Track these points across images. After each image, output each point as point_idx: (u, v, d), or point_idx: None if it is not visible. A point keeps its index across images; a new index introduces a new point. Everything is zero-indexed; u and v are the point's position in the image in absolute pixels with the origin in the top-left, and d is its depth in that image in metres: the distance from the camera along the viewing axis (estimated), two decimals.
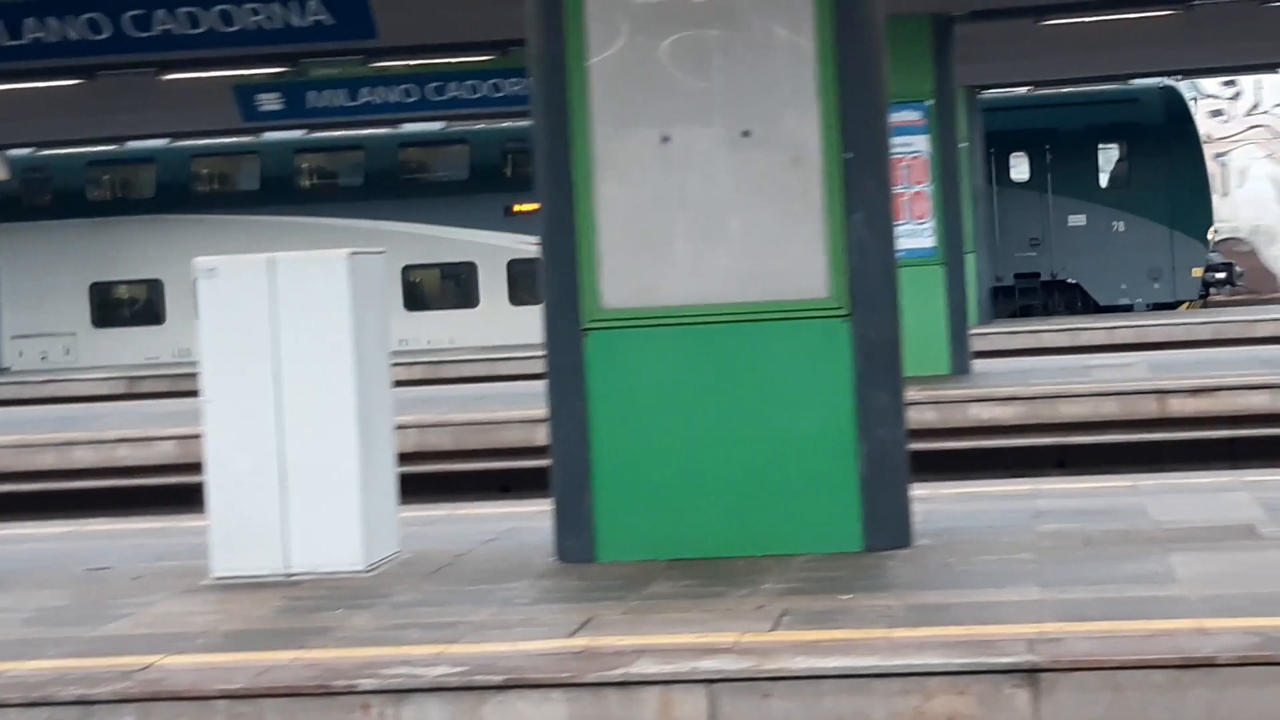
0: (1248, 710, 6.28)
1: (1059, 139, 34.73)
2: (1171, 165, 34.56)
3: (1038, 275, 34.91)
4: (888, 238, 9.15)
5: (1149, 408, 17.35)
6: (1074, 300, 34.96)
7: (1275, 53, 30.23)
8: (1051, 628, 6.95)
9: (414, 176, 37.05)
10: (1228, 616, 6.95)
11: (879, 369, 9.03)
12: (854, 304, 9.01)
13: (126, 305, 37.50)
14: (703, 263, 9.10)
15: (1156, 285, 34.73)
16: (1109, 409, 17.42)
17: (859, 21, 9.10)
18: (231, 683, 6.80)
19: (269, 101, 30.22)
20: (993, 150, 34.53)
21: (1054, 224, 34.76)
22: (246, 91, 30.10)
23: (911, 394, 17.84)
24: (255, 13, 20.59)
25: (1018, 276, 34.87)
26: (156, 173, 37.09)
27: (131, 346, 36.52)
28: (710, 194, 9.11)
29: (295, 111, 30.77)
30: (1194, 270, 34.74)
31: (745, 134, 9.12)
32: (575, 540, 9.06)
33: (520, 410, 17.41)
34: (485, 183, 36.35)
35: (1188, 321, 29.03)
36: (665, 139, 9.14)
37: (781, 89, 9.10)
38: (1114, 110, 34.02)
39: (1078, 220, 34.72)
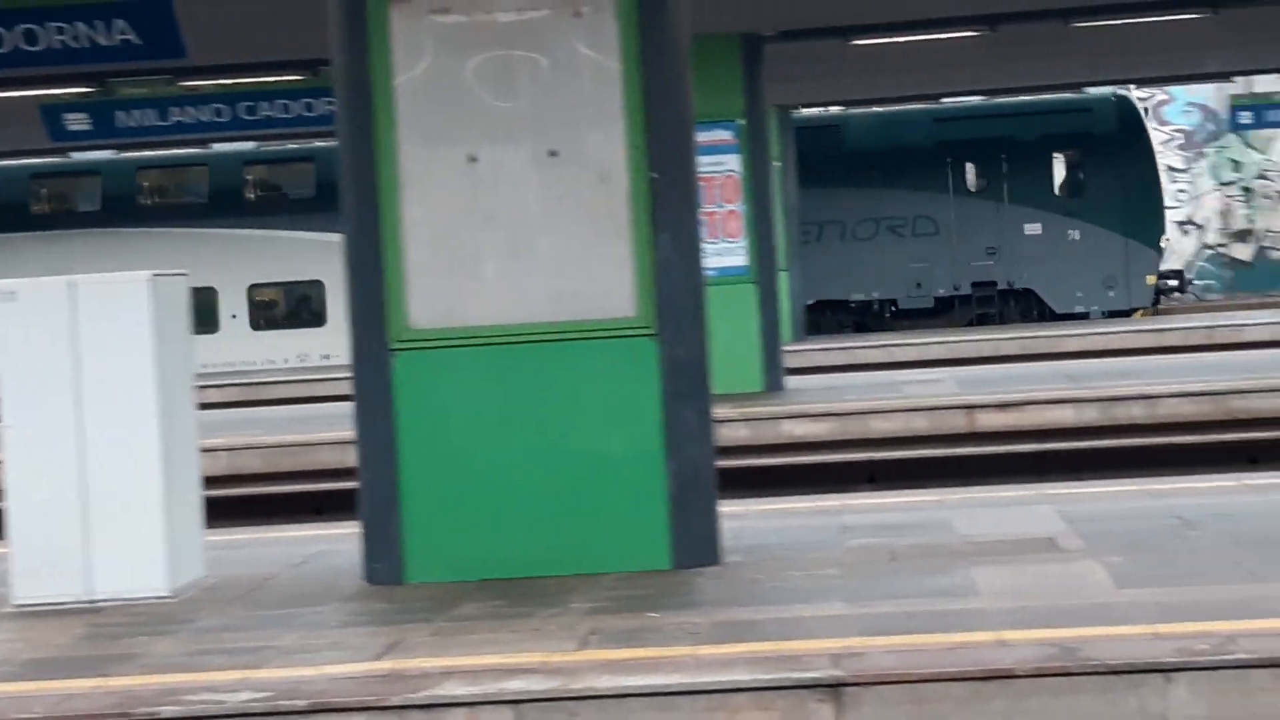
0: None
1: (1013, 148, 35.05)
2: (1125, 174, 35.11)
3: (994, 284, 35.34)
4: (695, 257, 9.20)
5: (958, 423, 17.58)
6: (1030, 308, 35.41)
7: (1083, 71, 30.74)
8: (856, 642, 7.02)
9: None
10: (1027, 628, 7.06)
11: (687, 388, 9.07)
12: (661, 323, 9.05)
13: None
14: (510, 282, 9.10)
15: (1111, 293, 35.28)
16: (919, 424, 17.63)
17: (664, 42, 9.15)
18: (30, 711, 6.70)
19: (76, 121, 29.82)
20: (949, 160, 34.80)
21: (1010, 233, 35.18)
22: (54, 111, 29.67)
23: (725, 411, 17.99)
24: (61, 31, 20.32)
25: (974, 285, 35.31)
26: None
27: None
28: (518, 214, 9.12)
29: (104, 131, 30.37)
30: (1148, 278, 35.33)
31: (552, 154, 9.13)
32: (383, 562, 9.01)
33: (334, 431, 17.30)
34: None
35: (995, 338, 29.43)
36: (472, 159, 9.13)
37: (588, 109, 9.13)
38: (1068, 120, 34.41)
39: (1033, 229, 35.18)
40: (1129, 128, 35.29)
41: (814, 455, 16.85)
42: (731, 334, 20.17)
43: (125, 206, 36.54)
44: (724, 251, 20.60)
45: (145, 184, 37.21)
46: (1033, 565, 8.52)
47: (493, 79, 9.14)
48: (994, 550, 8.99)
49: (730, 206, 20.76)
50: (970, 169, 35.29)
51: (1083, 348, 27.74)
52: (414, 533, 8.99)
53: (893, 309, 35.63)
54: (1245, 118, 33.04)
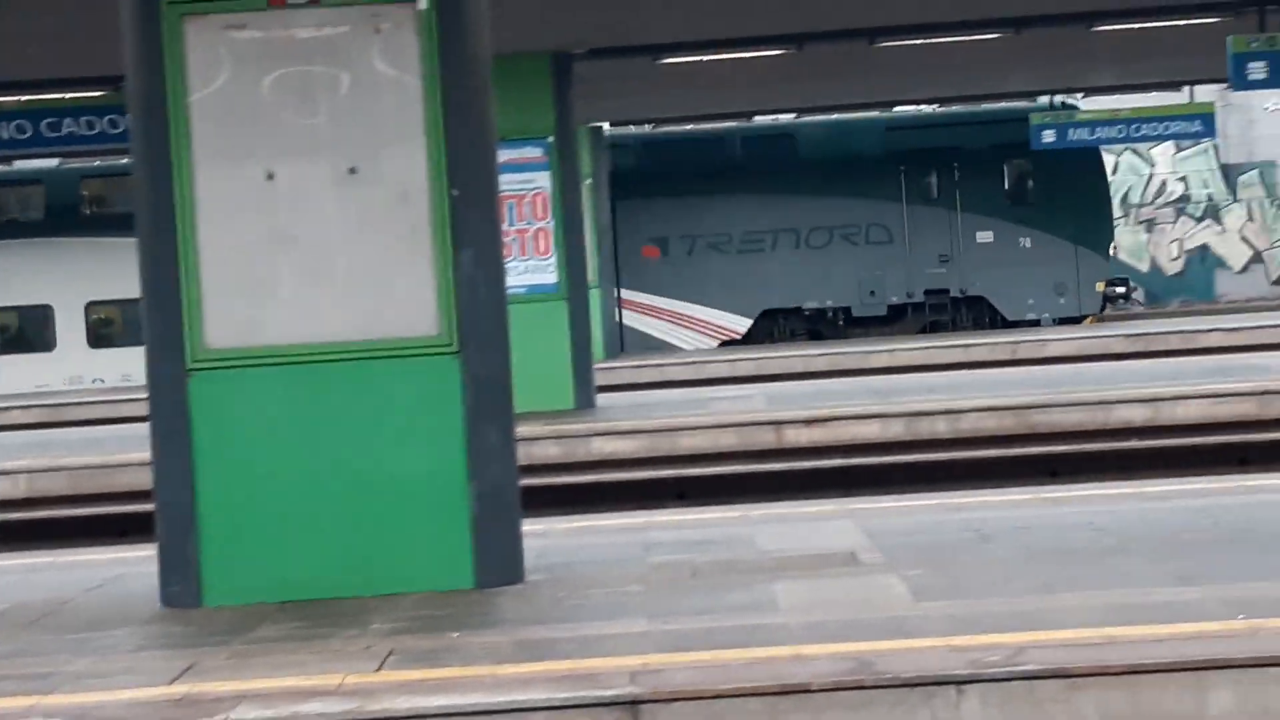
0: None
1: (965, 157, 35.14)
2: (1075, 182, 35.40)
3: (947, 291, 35.41)
4: (497, 274, 9.17)
5: (766, 439, 17.70)
6: (983, 315, 35.56)
7: (890, 90, 31.11)
8: (655, 659, 7.03)
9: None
10: (825, 642, 7.10)
11: (489, 406, 9.04)
12: (463, 341, 9.01)
13: None
14: (310, 301, 9.02)
15: (1062, 300, 35.59)
16: (728, 440, 17.73)
17: (465, 59, 9.12)
18: None
19: None
20: (903, 168, 34.79)
21: (963, 240, 35.33)
22: None
23: (535, 429, 17.97)
24: None
25: (928, 293, 35.38)
26: None
27: None
28: (317, 232, 9.04)
29: None
30: (1097, 285, 35.69)
31: (352, 171, 9.07)
32: (180, 585, 8.89)
33: (138, 453, 17.07)
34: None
35: (805, 354, 29.67)
36: (270, 176, 9.05)
37: (388, 126, 9.08)
38: (1019, 129, 34.72)
39: (986, 237, 35.37)
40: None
41: (624, 472, 16.87)
42: (542, 351, 20.19)
43: None
44: (534, 269, 20.60)
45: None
46: (833, 580, 8.58)
47: (291, 96, 9.07)
48: (796, 565, 9.04)
49: (540, 224, 20.77)
50: (923, 177, 35.52)
51: (890, 364, 28.04)
52: (212, 555, 8.88)
53: (845, 317, 35.93)
54: (1047, 135, 33.52)
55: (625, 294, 35.49)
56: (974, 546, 9.37)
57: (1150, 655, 6.61)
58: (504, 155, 19.57)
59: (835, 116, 35.49)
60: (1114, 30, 24.28)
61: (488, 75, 9.23)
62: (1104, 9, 21.44)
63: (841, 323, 35.77)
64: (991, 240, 35.45)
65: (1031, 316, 35.54)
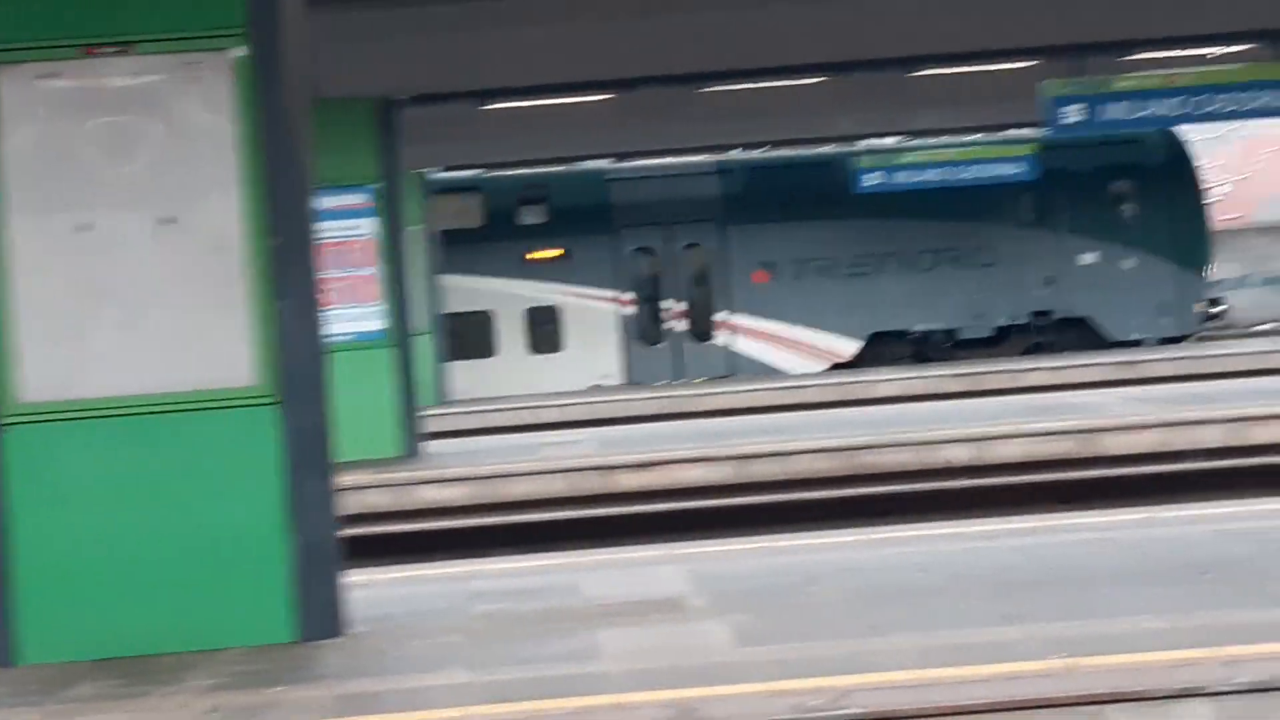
0: None
1: (1069, 179, 35.64)
2: (1174, 203, 36.22)
3: (1051, 313, 36.10)
4: (316, 324, 9.08)
5: (595, 484, 17.68)
6: (1085, 336, 36.26)
7: (714, 134, 31.29)
8: (477, 710, 6.97)
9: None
10: (647, 690, 7.07)
11: (309, 457, 8.94)
12: (282, 392, 8.91)
13: None
14: (126, 353, 8.89)
15: (1164, 320, 36.15)
16: (557, 486, 17.69)
17: (284, 106, 9.04)
18: None
19: None
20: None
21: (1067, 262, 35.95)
22: None
23: (361, 477, 17.83)
24: None
25: (1033, 314, 36.07)
26: None
27: None
28: (133, 282, 8.92)
29: None
30: (1195, 304, 36.25)
31: (168, 221, 8.96)
32: None
33: None
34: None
35: (634, 398, 29.70)
36: (85, 227, 8.91)
37: (204, 174, 8.97)
38: (1122, 150, 35.40)
39: (1090, 258, 36.17)
40: (1177, 158, 36.10)
41: (451, 520, 16.77)
42: (368, 399, 20.07)
43: None
44: (360, 316, 20.47)
45: None
46: (657, 626, 8.56)
47: (106, 145, 8.94)
48: (620, 612, 9.01)
49: (366, 271, 20.65)
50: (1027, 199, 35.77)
51: (717, 406, 28.14)
52: (27, 612, 8.71)
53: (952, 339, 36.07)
54: (872, 179, 33.84)
55: (736, 318, 35.67)
56: (800, 589, 9.39)
57: (973, 696, 6.64)
58: (329, 202, 19.47)
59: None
60: (933, 75, 24.60)
61: (307, 123, 9.15)
62: (921, 54, 21.72)
63: (948, 345, 36.19)
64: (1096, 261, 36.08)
65: (1136, 336, 36.07)
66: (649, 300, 35.85)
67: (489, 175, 35.36)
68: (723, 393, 29.55)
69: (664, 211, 35.12)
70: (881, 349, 35.98)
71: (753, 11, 19.89)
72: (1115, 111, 22.34)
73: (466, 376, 34.60)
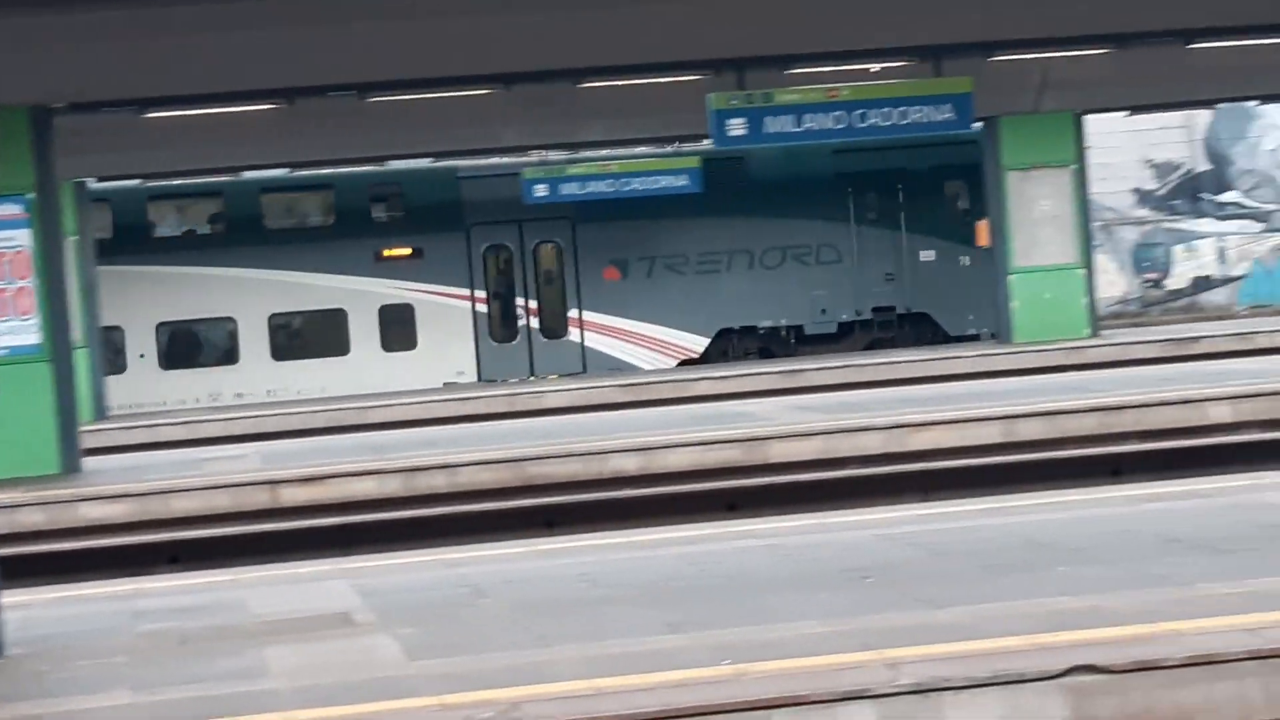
0: None
1: (909, 179, 35.81)
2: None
3: (894, 308, 36.01)
4: None
5: (261, 499, 17.42)
6: (925, 331, 35.97)
7: (380, 144, 31.08)
8: None
9: (277, 223, 34.52)
10: (316, 707, 6.99)
11: None
12: None
13: None
14: None
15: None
16: (221, 501, 17.39)
17: None
18: None
19: None
20: (850, 189, 35.49)
21: (907, 260, 35.91)
22: None
23: (17, 495, 17.34)
24: None
25: (875, 310, 35.94)
26: None
27: None
28: None
29: None
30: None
31: None
32: None
33: None
34: (353, 228, 34.47)
35: (304, 411, 29.38)
36: None
37: None
38: (957, 151, 35.24)
39: (928, 256, 35.89)
40: None
41: (113, 538, 16.38)
42: (23, 415, 19.56)
43: None
44: (15, 330, 19.93)
45: None
46: (326, 642, 8.45)
47: None
48: (288, 629, 8.88)
49: (21, 283, 20.11)
50: (869, 198, 35.89)
51: (390, 418, 27.98)
52: None
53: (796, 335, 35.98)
54: (540, 190, 33.94)
55: (588, 315, 35.45)
56: (469, 602, 9.36)
57: (640, 705, 6.67)
58: None
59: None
60: (600, 87, 24.75)
61: None
62: (586, 66, 21.81)
63: (793, 341, 36.31)
64: (934, 259, 36.37)
65: (972, 331, 36.37)
66: (502, 298, 35.89)
67: (340, 172, 35.18)
68: (390, 404, 29.37)
69: (516, 209, 35.18)
70: (728, 345, 36.51)
71: (421, 22, 19.82)
72: (777, 125, 22.68)
73: (316, 376, 34.62)
